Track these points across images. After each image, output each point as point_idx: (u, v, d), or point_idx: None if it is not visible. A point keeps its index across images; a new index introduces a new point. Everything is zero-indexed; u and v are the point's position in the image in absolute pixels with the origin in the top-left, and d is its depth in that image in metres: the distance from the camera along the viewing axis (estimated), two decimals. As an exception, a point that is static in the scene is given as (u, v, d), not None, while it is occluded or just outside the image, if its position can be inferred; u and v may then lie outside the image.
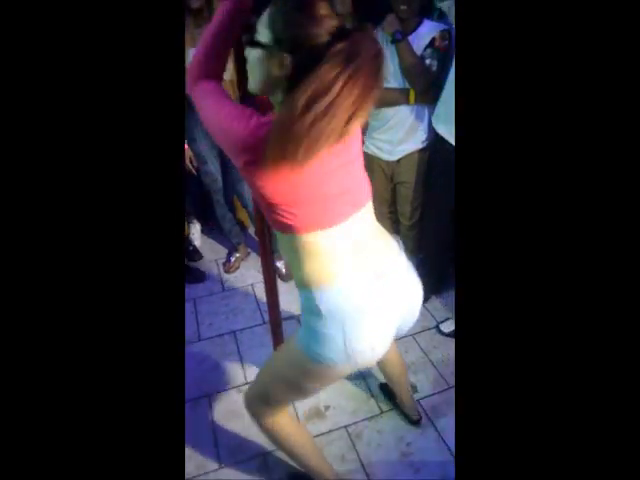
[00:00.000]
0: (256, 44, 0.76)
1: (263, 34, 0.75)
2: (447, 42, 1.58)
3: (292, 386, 1.02)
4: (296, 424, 1.18)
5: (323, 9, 0.71)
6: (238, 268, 2.27)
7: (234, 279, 2.22)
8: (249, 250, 2.36)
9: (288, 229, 0.82)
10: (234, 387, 1.65)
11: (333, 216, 0.82)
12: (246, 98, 0.99)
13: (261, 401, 1.09)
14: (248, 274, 2.24)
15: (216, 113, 0.77)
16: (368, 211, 0.90)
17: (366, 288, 0.87)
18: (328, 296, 0.85)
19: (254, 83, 0.81)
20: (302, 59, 0.71)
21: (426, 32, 1.60)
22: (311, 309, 0.88)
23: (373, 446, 1.43)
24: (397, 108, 1.70)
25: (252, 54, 0.78)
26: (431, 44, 1.59)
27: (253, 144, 0.73)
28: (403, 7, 1.53)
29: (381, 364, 1.37)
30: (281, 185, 0.77)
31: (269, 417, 1.10)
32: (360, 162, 0.89)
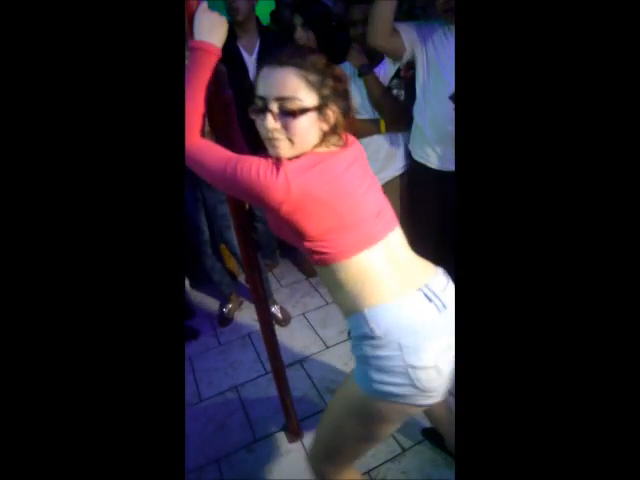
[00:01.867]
0: (304, 111, 0.78)
1: (308, 99, 0.78)
2: (413, 71, 1.62)
3: (360, 435, 0.92)
4: None
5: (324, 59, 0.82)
6: (232, 319, 2.19)
7: (229, 331, 2.13)
8: (242, 299, 2.29)
9: (332, 259, 0.82)
10: (243, 447, 1.54)
11: (372, 236, 0.84)
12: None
13: (328, 461, 0.98)
14: (244, 324, 2.16)
15: (240, 173, 0.76)
16: (401, 234, 0.91)
17: (419, 306, 0.84)
18: (381, 313, 0.82)
19: (295, 148, 0.80)
20: (343, 105, 0.82)
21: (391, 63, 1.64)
22: (364, 333, 0.83)
23: (400, 490, 1.34)
24: (371, 138, 1.71)
25: (302, 122, 0.78)
26: (397, 74, 1.63)
27: (289, 186, 0.74)
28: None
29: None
30: (322, 216, 0.78)
31: (338, 478, 0.99)
32: (380, 187, 0.92)
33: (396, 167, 1.78)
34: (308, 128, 0.79)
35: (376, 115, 1.67)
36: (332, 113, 0.81)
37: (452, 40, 1.40)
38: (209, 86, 0.84)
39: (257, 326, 1.99)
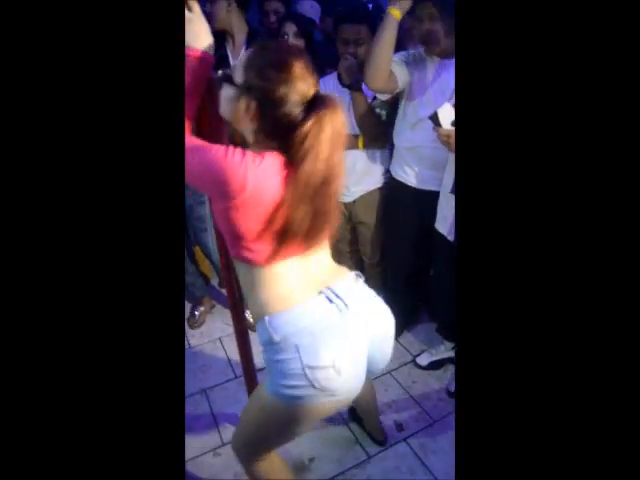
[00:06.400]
0: (230, 81, 0.79)
1: (238, 74, 0.79)
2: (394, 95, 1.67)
3: (274, 434, 0.98)
4: (285, 470, 1.13)
5: (298, 69, 0.76)
6: (204, 322, 2.18)
7: (200, 334, 2.12)
8: (213, 302, 2.28)
9: (254, 262, 0.85)
10: (210, 451, 1.53)
11: (299, 248, 0.86)
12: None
13: (247, 450, 1.04)
14: (215, 327, 2.15)
15: (206, 160, 0.77)
16: (325, 246, 0.94)
17: (319, 308, 0.87)
18: (280, 320, 0.85)
19: (224, 113, 0.84)
20: (267, 109, 0.77)
21: None
22: (266, 339, 0.87)
23: (364, 495, 1.36)
24: (348, 151, 1.74)
25: (226, 89, 0.81)
26: None
27: (246, 176, 0.75)
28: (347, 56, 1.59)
29: None
30: (260, 219, 0.79)
31: (257, 464, 1.05)
32: None
33: (372, 181, 1.82)
34: (226, 95, 0.81)
35: (356, 131, 1.71)
36: (251, 105, 0.78)
37: (431, 70, 1.48)
38: (201, 94, 0.86)
39: (228, 330, 1.99)
